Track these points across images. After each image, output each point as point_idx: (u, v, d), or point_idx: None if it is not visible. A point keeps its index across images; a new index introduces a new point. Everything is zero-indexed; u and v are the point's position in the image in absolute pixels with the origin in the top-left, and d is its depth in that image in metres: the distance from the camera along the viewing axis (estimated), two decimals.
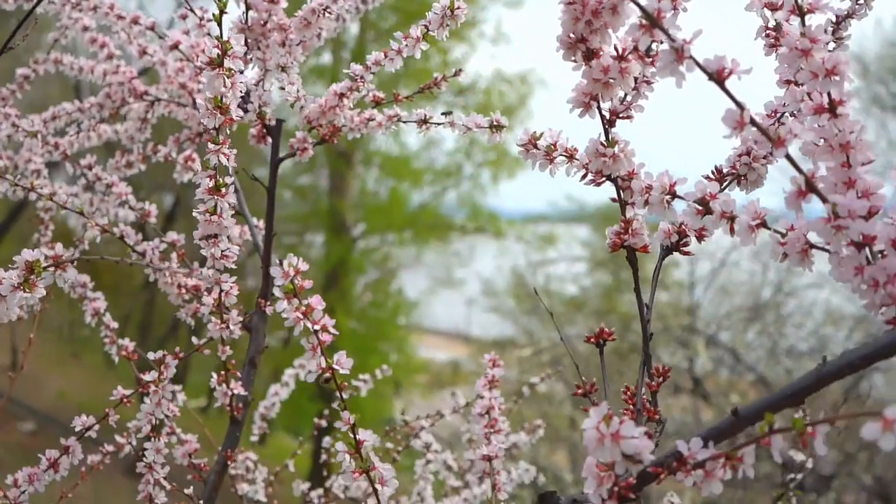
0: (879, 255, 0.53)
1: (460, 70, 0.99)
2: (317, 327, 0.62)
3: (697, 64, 0.51)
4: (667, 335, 6.31)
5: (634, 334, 7.00)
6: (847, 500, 5.80)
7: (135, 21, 1.11)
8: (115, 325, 1.11)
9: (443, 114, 0.95)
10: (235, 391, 0.98)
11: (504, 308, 9.77)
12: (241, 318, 0.92)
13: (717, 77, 0.51)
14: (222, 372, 0.97)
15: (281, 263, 0.61)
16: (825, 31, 0.60)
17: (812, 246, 0.55)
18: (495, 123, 0.87)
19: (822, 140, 0.56)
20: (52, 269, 0.68)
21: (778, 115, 0.71)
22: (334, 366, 0.63)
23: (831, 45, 0.73)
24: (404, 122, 0.96)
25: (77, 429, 0.92)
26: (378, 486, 0.65)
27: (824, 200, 0.52)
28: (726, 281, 7.06)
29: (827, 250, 0.55)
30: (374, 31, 9.06)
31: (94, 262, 1.15)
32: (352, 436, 0.66)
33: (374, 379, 1.54)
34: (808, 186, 0.52)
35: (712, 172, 0.70)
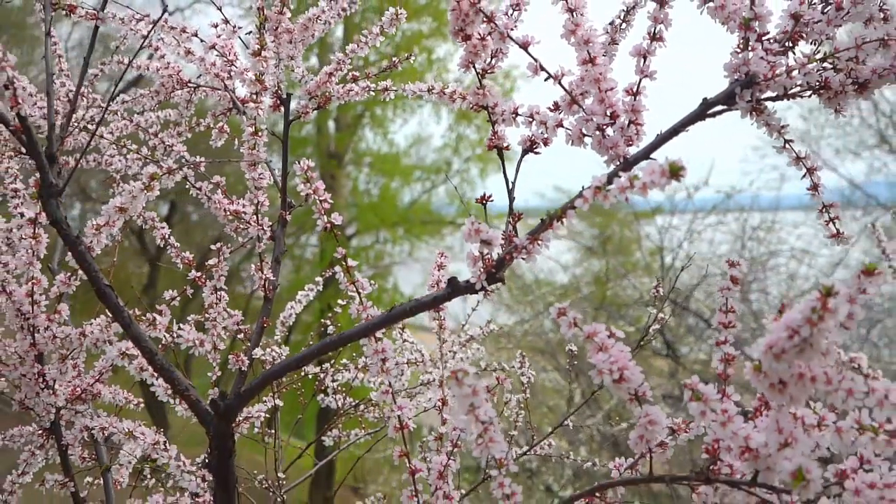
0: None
1: (411, 54, 1.48)
2: (321, 198, 1.10)
3: (512, 39, 0.98)
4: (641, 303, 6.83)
5: (624, 320, 7.52)
6: None
7: (183, 30, 1.58)
8: (178, 245, 1.58)
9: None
10: (267, 276, 1.45)
11: (500, 299, 10.13)
12: (270, 224, 1.40)
13: (523, 45, 0.99)
14: (258, 262, 1.45)
15: (297, 163, 1.09)
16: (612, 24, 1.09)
17: (584, 134, 1.03)
18: (431, 88, 1.34)
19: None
20: (164, 175, 1.16)
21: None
22: (332, 220, 1.11)
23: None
24: (373, 91, 1.45)
25: None
26: (360, 291, 1.13)
27: (581, 107, 1.00)
28: (707, 253, 7.60)
29: (590, 136, 1.03)
30: (358, 33, 9.56)
31: None
32: (344, 263, 1.13)
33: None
34: (573, 101, 1.00)
35: (553, 104, 1.17)
